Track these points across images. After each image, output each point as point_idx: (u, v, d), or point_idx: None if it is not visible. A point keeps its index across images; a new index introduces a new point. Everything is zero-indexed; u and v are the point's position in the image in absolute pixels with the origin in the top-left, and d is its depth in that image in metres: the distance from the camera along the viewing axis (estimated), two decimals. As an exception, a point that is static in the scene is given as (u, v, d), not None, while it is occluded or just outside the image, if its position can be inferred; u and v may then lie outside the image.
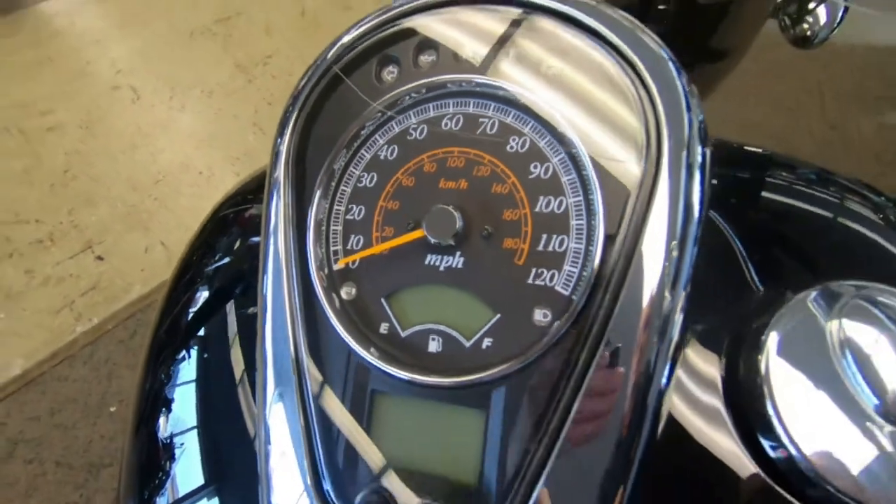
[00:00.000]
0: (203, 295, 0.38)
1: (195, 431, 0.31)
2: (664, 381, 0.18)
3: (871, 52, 1.82)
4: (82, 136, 1.47)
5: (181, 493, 0.30)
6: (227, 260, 0.39)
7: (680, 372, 0.20)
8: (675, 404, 0.20)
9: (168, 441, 0.33)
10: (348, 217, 0.21)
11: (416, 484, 0.18)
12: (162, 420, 0.34)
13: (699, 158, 0.18)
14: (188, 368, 0.34)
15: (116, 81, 1.59)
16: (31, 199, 1.37)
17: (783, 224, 0.29)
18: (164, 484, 0.31)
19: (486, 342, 0.19)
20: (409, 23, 0.22)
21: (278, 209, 0.22)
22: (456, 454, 0.18)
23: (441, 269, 0.20)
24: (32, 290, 1.25)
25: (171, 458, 0.32)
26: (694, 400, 0.20)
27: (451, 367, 0.18)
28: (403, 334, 0.20)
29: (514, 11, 0.21)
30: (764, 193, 0.31)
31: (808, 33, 0.53)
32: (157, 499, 0.31)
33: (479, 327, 0.19)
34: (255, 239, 0.36)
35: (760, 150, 0.35)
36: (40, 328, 1.20)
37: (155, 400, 0.35)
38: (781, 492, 0.19)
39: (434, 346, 0.19)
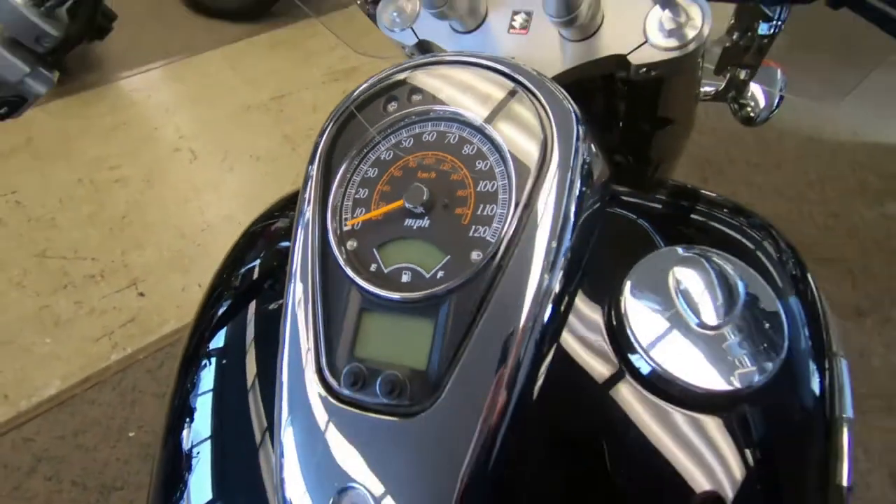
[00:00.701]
0: (233, 304, 0.42)
1: (222, 442, 0.35)
2: (553, 301, 0.26)
3: (872, 150, 1.93)
4: (142, 188, 1.66)
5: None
6: (257, 262, 0.44)
7: (574, 314, 0.29)
8: (568, 337, 0.29)
9: (195, 451, 0.36)
10: (356, 197, 0.31)
11: (386, 366, 0.27)
12: (189, 431, 0.37)
13: (577, 157, 0.28)
14: (216, 378, 0.38)
15: (178, 144, 1.81)
16: (91, 239, 1.53)
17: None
18: (190, 493, 0.34)
19: (440, 274, 0.27)
20: (404, 76, 0.33)
21: (310, 198, 0.32)
22: (416, 347, 0.26)
23: (414, 227, 0.29)
24: (79, 319, 1.37)
25: (197, 467, 0.35)
26: (580, 330, 0.29)
27: (416, 289, 0.27)
28: (386, 270, 0.29)
29: (473, 68, 0.32)
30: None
31: (752, 115, 0.64)
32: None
33: (436, 265, 0.28)
34: (284, 243, 0.44)
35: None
36: (79, 354, 1.31)
37: (183, 412, 0.39)
38: (646, 392, 0.27)
39: (406, 277, 0.28)
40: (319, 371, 0.27)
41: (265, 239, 0.46)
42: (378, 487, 0.25)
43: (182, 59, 2.15)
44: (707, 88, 0.62)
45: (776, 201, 1.77)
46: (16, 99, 0.39)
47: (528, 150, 0.28)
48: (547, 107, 0.29)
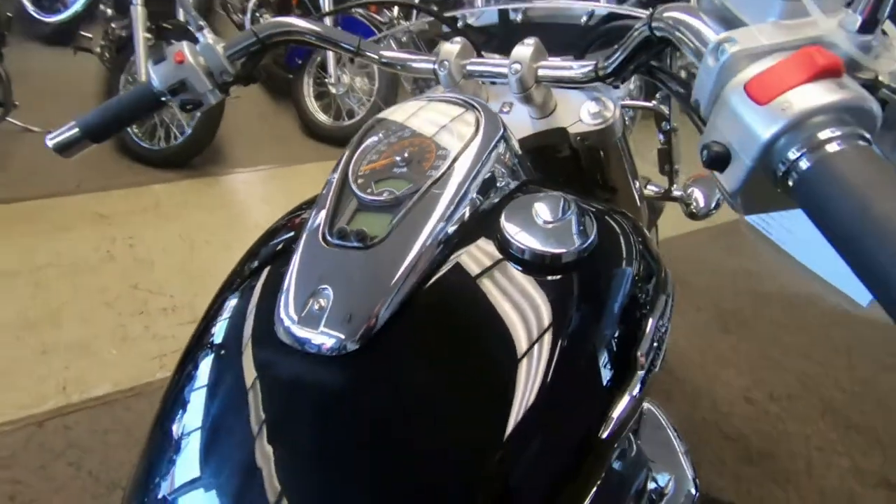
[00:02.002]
0: (240, 294, 0.47)
1: (207, 432, 0.37)
2: (455, 203, 0.43)
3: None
4: (227, 249, 1.99)
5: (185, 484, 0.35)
6: (270, 253, 0.51)
7: (472, 215, 0.45)
8: (468, 223, 0.44)
9: (186, 435, 0.38)
10: (369, 158, 0.52)
11: (360, 231, 0.44)
12: (180, 418, 0.40)
13: (493, 141, 0.48)
14: (212, 369, 0.42)
15: (261, 223, 2.18)
16: (174, 281, 1.83)
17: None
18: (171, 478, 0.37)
19: (404, 191, 0.45)
20: (423, 102, 0.56)
21: (334, 177, 0.53)
22: (381, 224, 0.43)
23: (397, 172, 0.49)
24: (143, 339, 1.60)
25: (180, 453, 0.37)
26: (475, 223, 0.45)
27: (389, 197, 0.45)
28: (377, 191, 0.47)
29: (452, 101, 0.54)
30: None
31: (694, 210, 0.81)
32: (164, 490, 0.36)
33: (404, 188, 0.46)
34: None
35: None
36: (133, 367, 1.50)
37: (178, 396, 0.42)
38: (509, 262, 0.42)
39: (386, 194, 0.46)
40: (324, 232, 0.45)
41: (280, 235, 0.53)
42: (339, 288, 0.41)
43: (287, 166, 2.66)
44: (654, 188, 0.80)
45: (803, 362, 1.78)
46: (198, 102, 0.66)
47: (466, 133, 0.49)
48: (483, 115, 0.50)
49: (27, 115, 2.47)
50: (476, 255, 0.43)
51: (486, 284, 0.41)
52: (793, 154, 0.26)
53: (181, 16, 2.40)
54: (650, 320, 0.43)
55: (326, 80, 2.68)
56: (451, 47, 0.62)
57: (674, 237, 2.40)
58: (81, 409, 1.38)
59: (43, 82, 2.89)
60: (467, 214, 0.45)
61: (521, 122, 0.64)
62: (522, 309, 0.40)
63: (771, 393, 1.66)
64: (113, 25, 2.52)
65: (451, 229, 0.43)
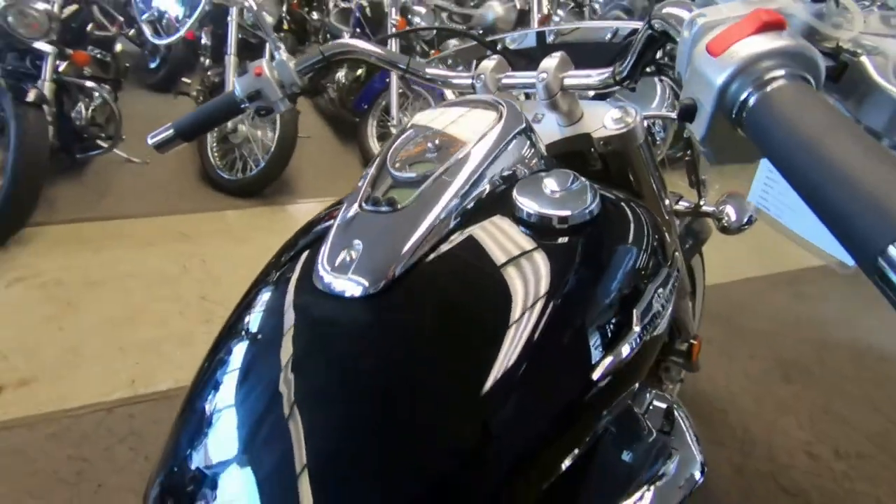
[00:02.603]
0: (275, 280, 0.51)
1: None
2: (472, 181, 0.49)
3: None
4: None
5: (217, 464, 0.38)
6: (311, 229, 0.56)
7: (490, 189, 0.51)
8: (483, 197, 0.50)
9: (217, 413, 0.41)
10: (405, 147, 0.60)
11: (392, 199, 0.51)
12: (227, 350, 0.45)
13: (512, 130, 0.54)
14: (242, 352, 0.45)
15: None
16: (238, 297, 1.97)
17: None
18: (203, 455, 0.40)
19: (435, 171, 0.53)
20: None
21: (370, 169, 0.61)
22: (411, 194, 0.51)
23: (429, 156, 0.56)
24: (205, 345, 1.72)
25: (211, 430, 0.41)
26: (491, 196, 0.51)
27: (421, 175, 0.53)
28: (410, 170, 0.55)
29: (472, 101, 0.61)
30: None
31: (725, 224, 0.81)
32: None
33: (433, 169, 0.54)
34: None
35: None
36: (194, 369, 1.62)
37: (225, 336, 0.47)
38: (520, 227, 0.47)
39: (415, 173, 0.54)
40: (361, 201, 0.53)
41: (324, 215, 0.58)
42: (368, 243, 0.48)
43: (348, 199, 2.84)
44: (686, 204, 0.82)
45: (874, 418, 1.64)
46: (269, 109, 0.77)
47: (490, 123, 0.55)
48: (506, 109, 0.57)
49: (130, 149, 2.82)
50: (488, 219, 0.49)
51: (494, 243, 0.46)
52: (742, 94, 0.30)
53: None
54: (649, 286, 0.47)
55: (389, 122, 2.88)
56: (487, 63, 0.70)
57: (732, 282, 2.31)
58: (145, 401, 1.50)
59: (146, 122, 3.29)
60: (484, 188, 0.51)
61: (551, 130, 0.70)
62: (524, 264, 0.44)
63: (836, 449, 1.53)
64: (209, 73, 2.88)
65: (468, 199, 0.49)
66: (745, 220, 0.82)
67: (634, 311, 0.45)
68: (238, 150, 2.71)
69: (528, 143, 0.56)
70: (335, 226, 0.51)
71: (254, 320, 0.49)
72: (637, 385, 0.50)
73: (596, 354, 0.42)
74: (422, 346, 0.42)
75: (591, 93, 0.75)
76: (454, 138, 0.55)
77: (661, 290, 0.47)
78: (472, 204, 0.50)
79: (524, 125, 0.56)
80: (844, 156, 0.26)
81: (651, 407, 0.58)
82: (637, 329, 0.44)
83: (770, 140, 0.28)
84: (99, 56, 2.76)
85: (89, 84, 2.53)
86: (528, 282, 0.43)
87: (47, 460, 1.32)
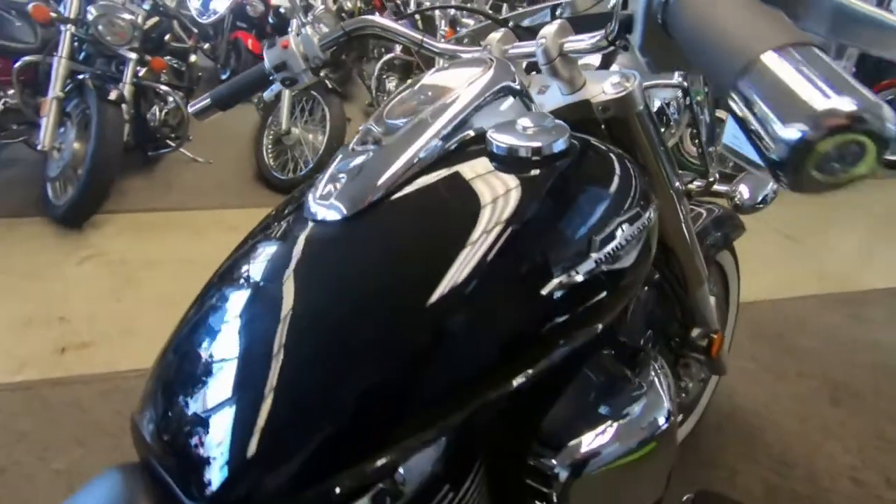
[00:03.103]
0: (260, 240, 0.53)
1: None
2: (454, 125, 0.52)
3: None
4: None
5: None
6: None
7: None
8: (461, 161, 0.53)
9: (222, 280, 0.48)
10: (401, 97, 0.64)
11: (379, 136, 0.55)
12: (229, 270, 0.50)
13: (496, 80, 0.56)
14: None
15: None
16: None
17: None
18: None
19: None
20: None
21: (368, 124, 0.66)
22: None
23: (419, 104, 0.60)
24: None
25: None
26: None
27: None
28: (405, 117, 0.59)
29: (467, 61, 0.64)
30: None
31: (738, 202, 0.79)
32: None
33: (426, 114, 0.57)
34: None
35: None
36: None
37: (203, 294, 0.50)
38: (494, 162, 0.49)
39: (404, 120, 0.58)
40: (354, 144, 0.57)
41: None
42: (351, 175, 0.52)
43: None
44: (698, 185, 0.81)
45: (936, 451, 1.49)
46: (294, 80, 0.84)
47: (478, 75, 0.58)
48: (495, 63, 0.59)
49: (196, 149, 3.06)
50: (463, 154, 0.51)
51: (465, 174, 0.49)
52: None
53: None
54: (613, 218, 0.47)
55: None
56: (495, 35, 0.73)
57: (787, 299, 2.19)
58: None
59: (210, 125, 3.58)
60: (466, 132, 0.54)
61: (554, 99, 0.72)
62: (488, 191, 0.47)
63: (888, 477, 1.40)
64: (269, 82, 3.09)
65: (449, 140, 0.52)
66: (760, 198, 0.79)
67: (594, 238, 0.46)
68: (290, 152, 2.88)
69: (515, 96, 0.59)
70: (329, 166, 0.56)
71: (250, 246, 0.54)
72: (605, 324, 0.50)
73: (553, 273, 0.43)
74: (384, 259, 0.45)
75: (596, 63, 0.77)
76: (445, 88, 0.59)
77: (625, 226, 0.48)
78: (451, 144, 0.53)
79: (511, 78, 0.59)
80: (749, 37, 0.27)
81: (624, 354, 0.58)
82: (595, 256, 0.45)
83: (686, 33, 0.30)
84: (175, 65, 3.04)
85: (164, 89, 2.78)
86: (491, 206, 0.45)
87: (96, 413, 1.44)
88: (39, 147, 2.29)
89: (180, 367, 0.45)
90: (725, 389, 1.64)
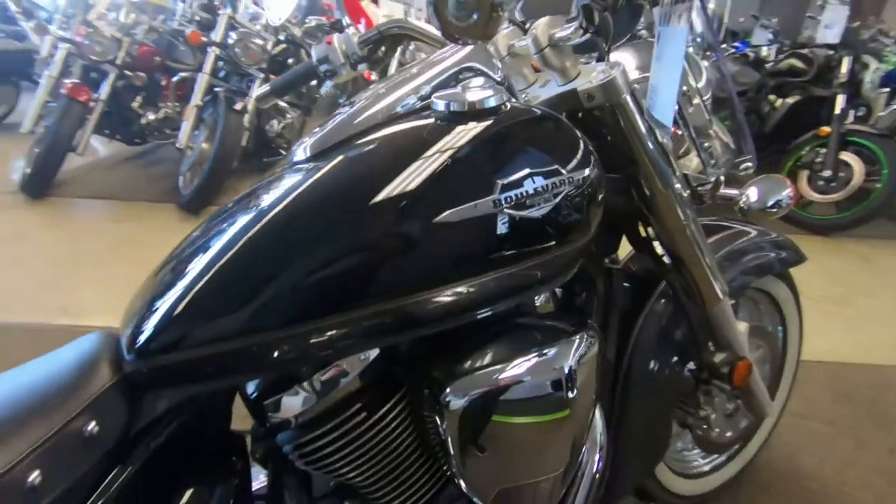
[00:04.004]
0: None
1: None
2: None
3: None
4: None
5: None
6: None
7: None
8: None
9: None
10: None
11: None
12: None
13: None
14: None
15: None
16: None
17: None
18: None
19: None
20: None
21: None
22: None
23: None
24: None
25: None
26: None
27: None
28: None
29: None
30: None
31: (742, 206, 0.74)
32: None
33: None
34: None
35: None
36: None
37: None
38: (447, 121, 0.56)
39: None
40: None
41: None
42: (325, 128, 0.61)
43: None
44: (708, 185, 0.77)
45: None
46: (334, 72, 0.97)
47: (449, 59, 0.65)
48: (471, 48, 0.66)
49: (303, 159, 3.44)
50: (415, 112, 0.59)
51: (407, 124, 0.56)
52: None
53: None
54: (524, 168, 0.51)
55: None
56: (503, 32, 0.80)
57: (890, 366, 1.89)
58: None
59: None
60: (423, 95, 0.61)
61: (550, 91, 0.76)
62: (417, 134, 0.54)
63: None
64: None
65: (407, 102, 0.60)
66: (771, 203, 0.75)
67: (497, 181, 0.50)
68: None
69: (480, 75, 0.65)
70: (326, 121, 0.66)
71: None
72: (533, 284, 0.53)
73: (451, 204, 0.48)
74: (325, 185, 0.53)
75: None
76: (426, 66, 0.67)
77: (538, 178, 0.51)
78: (411, 106, 0.60)
79: (481, 61, 0.65)
80: None
81: (557, 327, 0.60)
82: (496, 196, 0.49)
83: None
84: (296, 86, 3.47)
85: (283, 105, 3.19)
86: (414, 147, 0.52)
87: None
88: (178, 146, 2.75)
89: (158, 268, 0.56)
90: (786, 447, 1.46)
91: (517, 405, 0.53)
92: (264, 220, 0.50)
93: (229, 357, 0.46)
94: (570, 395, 0.54)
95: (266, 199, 0.53)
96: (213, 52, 2.80)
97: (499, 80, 0.70)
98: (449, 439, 0.53)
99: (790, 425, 1.49)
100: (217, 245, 0.50)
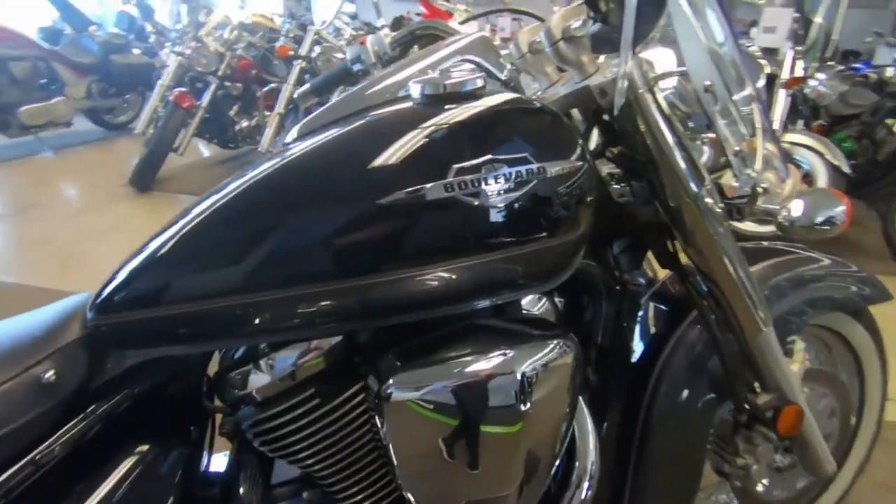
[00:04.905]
0: None
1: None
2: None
3: None
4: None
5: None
6: None
7: None
8: None
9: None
10: None
11: None
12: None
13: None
14: None
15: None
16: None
17: None
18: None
19: None
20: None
21: None
22: None
23: None
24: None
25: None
26: None
27: None
28: None
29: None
30: None
31: (782, 221, 0.62)
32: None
33: None
34: None
35: None
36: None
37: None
38: (410, 100, 0.55)
39: None
40: None
41: None
42: (322, 111, 0.62)
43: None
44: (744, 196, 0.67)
45: None
46: (367, 71, 0.99)
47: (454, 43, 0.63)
48: (476, 39, 0.64)
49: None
50: (399, 97, 0.58)
51: (386, 108, 0.55)
52: None
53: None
54: (485, 154, 0.48)
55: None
56: (524, 28, 0.78)
57: None
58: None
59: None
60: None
61: (568, 88, 0.72)
62: (388, 118, 0.52)
63: None
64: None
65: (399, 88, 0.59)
66: (821, 219, 0.63)
67: (454, 165, 0.47)
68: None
69: (476, 65, 0.62)
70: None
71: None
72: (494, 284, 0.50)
73: (402, 183, 0.47)
74: (296, 164, 0.52)
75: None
76: (424, 54, 0.66)
77: (500, 166, 0.48)
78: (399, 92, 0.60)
79: (478, 53, 0.63)
80: None
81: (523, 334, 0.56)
82: (448, 180, 0.46)
83: None
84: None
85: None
86: (381, 128, 0.51)
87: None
88: (260, 149, 2.97)
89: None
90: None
91: (464, 409, 0.49)
92: (238, 191, 0.51)
93: (189, 320, 0.47)
94: (523, 406, 0.49)
95: (249, 173, 0.55)
96: (298, 64, 3.01)
97: (501, 75, 0.67)
98: (387, 439, 0.50)
99: (873, 497, 1.27)
100: (191, 214, 0.51)
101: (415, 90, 0.54)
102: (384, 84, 0.62)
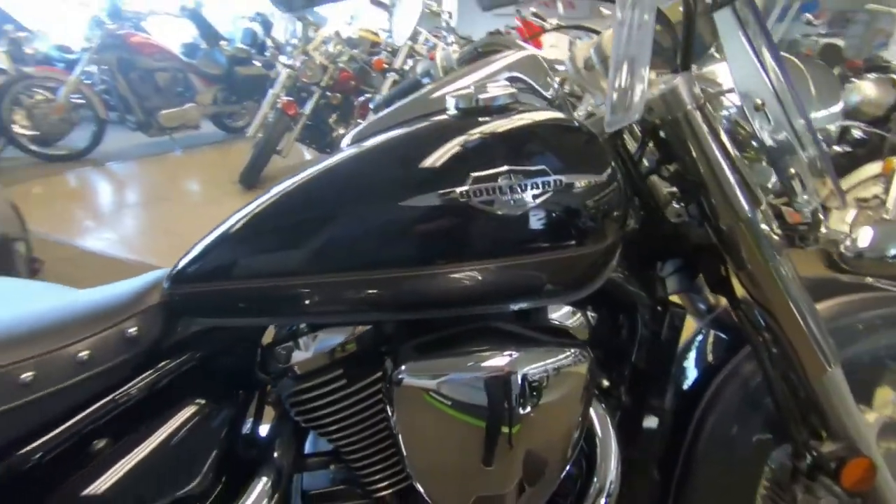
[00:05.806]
0: None
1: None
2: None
3: None
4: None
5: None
6: None
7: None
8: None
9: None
10: None
11: None
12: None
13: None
14: None
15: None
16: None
17: None
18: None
19: None
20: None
21: None
22: None
23: None
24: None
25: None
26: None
27: None
28: None
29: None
30: None
31: (843, 250, 0.57)
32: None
33: None
34: None
35: None
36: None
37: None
38: (457, 112, 0.59)
39: None
40: None
41: None
42: (370, 121, 0.68)
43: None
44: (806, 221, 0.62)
45: None
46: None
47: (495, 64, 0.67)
48: (528, 58, 0.66)
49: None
50: (440, 111, 0.61)
51: (424, 120, 0.59)
52: None
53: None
54: (504, 165, 0.50)
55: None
56: (580, 44, 0.79)
57: None
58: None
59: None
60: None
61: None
62: (423, 128, 0.57)
63: None
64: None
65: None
66: (893, 252, 0.58)
67: (472, 173, 0.50)
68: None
69: (527, 83, 0.65)
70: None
71: None
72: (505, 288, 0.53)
73: (423, 188, 0.51)
74: (345, 165, 0.58)
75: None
76: (474, 68, 0.70)
77: (517, 177, 0.50)
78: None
79: (527, 72, 0.66)
80: None
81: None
82: (465, 188, 0.49)
83: None
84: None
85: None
86: (416, 136, 0.56)
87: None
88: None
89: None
90: None
91: (468, 402, 0.51)
92: (296, 185, 0.58)
93: (250, 295, 0.55)
94: (525, 408, 0.50)
95: (309, 171, 0.61)
96: (391, 76, 3.18)
97: (547, 94, 0.69)
98: (397, 427, 0.54)
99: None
100: (258, 203, 0.59)
101: (450, 103, 0.58)
102: (432, 97, 0.66)
